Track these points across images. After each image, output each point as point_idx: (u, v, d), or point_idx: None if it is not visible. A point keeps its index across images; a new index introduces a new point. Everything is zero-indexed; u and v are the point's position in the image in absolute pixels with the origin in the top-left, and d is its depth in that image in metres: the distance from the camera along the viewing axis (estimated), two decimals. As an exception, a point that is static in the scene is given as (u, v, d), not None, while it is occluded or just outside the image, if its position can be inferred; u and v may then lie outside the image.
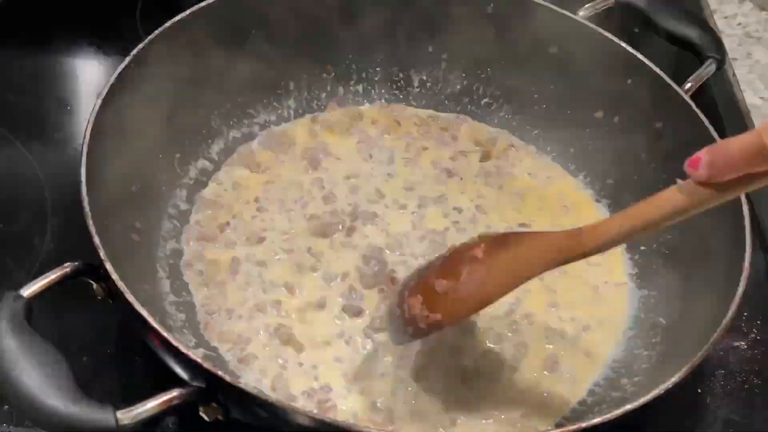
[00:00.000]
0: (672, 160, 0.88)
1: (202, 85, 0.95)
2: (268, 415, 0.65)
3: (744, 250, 0.77)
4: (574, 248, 0.69)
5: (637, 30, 1.17)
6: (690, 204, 0.63)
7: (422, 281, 0.73)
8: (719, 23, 1.24)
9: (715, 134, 0.87)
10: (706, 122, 0.88)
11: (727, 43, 1.21)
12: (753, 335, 0.91)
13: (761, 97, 1.15)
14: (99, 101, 0.81)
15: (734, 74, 1.15)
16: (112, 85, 0.82)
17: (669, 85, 0.92)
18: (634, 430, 0.81)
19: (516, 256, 0.70)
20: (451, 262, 0.73)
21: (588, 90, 0.99)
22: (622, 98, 0.96)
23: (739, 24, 1.27)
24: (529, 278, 0.71)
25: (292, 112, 1.03)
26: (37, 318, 0.81)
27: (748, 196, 0.82)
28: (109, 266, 0.69)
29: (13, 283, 0.86)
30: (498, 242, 0.72)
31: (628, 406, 0.67)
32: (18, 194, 0.95)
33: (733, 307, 0.73)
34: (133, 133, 0.86)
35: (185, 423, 0.79)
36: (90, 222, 0.71)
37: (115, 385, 0.81)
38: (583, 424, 0.65)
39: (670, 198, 0.64)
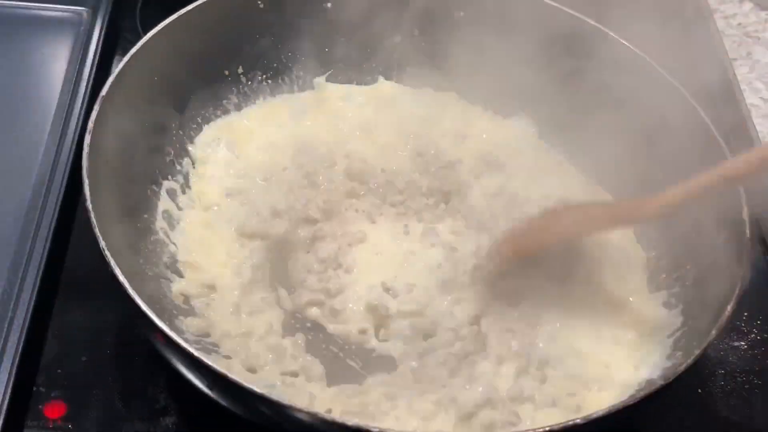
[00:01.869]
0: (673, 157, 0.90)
1: (196, 83, 0.96)
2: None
3: (746, 249, 0.77)
4: (633, 215, 0.84)
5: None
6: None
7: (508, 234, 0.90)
8: (719, 23, 1.24)
9: (717, 134, 0.87)
10: (708, 122, 0.88)
11: (727, 43, 1.21)
12: (753, 335, 0.91)
13: (761, 97, 1.15)
14: (99, 101, 0.81)
15: (734, 74, 1.15)
16: (111, 84, 0.83)
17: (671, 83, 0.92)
18: (635, 430, 0.81)
19: (575, 219, 0.87)
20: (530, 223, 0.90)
21: (592, 89, 0.99)
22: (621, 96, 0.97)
23: (739, 24, 1.27)
24: (583, 235, 0.89)
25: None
26: (38, 319, 0.82)
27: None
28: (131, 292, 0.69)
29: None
30: (566, 209, 0.89)
31: (629, 401, 0.67)
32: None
33: (730, 307, 0.73)
34: (132, 135, 0.86)
35: (185, 423, 0.79)
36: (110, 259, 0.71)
37: (115, 385, 0.81)
38: (593, 417, 0.66)
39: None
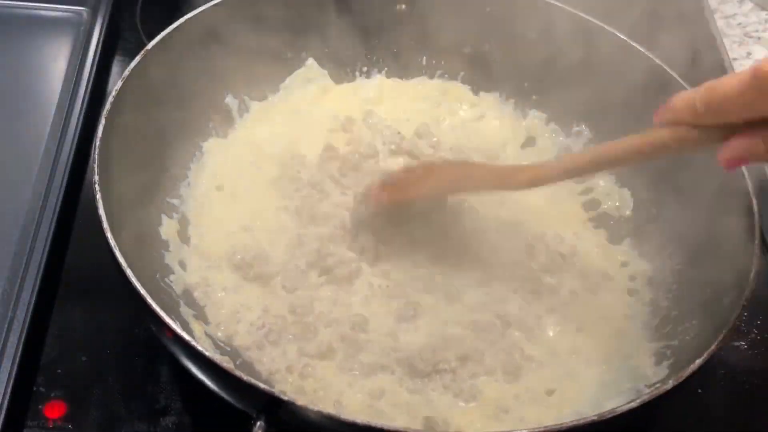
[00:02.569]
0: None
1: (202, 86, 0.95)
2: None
3: (753, 255, 0.76)
4: (508, 180, 0.83)
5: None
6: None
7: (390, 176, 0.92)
8: (719, 23, 1.24)
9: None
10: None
11: (727, 43, 1.21)
12: (753, 335, 0.91)
13: (761, 97, 1.15)
14: (110, 100, 0.81)
15: (734, 74, 1.15)
16: (123, 84, 0.83)
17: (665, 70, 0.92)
18: (634, 430, 0.81)
19: (460, 172, 0.88)
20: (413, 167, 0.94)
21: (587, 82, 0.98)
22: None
23: (739, 24, 1.27)
24: (465, 191, 0.90)
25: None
26: (38, 319, 0.82)
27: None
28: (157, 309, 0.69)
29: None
30: (450, 162, 0.94)
31: (630, 405, 0.67)
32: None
33: (735, 314, 0.73)
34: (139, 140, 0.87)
35: (185, 423, 0.79)
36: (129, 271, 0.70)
37: (115, 385, 0.81)
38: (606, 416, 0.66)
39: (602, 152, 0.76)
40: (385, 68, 1.08)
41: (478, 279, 0.88)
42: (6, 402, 0.76)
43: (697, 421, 0.84)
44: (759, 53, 1.22)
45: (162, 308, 0.68)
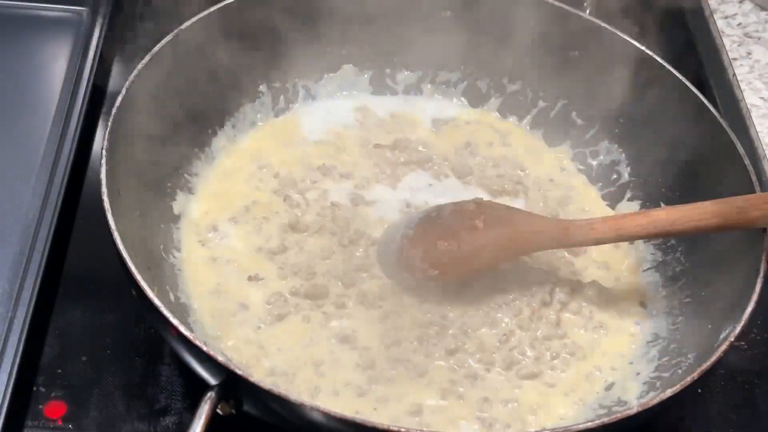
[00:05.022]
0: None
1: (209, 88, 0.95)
2: (283, 412, 0.65)
3: (759, 266, 0.76)
4: (563, 239, 0.78)
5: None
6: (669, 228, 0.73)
7: (423, 235, 0.80)
8: (719, 23, 1.24)
9: (728, 129, 0.87)
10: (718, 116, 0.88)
11: (727, 43, 1.21)
12: (753, 335, 0.91)
13: (761, 97, 1.15)
14: (119, 99, 0.81)
15: (734, 74, 1.15)
16: (131, 82, 0.83)
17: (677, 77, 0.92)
18: (634, 430, 0.81)
19: (512, 234, 0.79)
20: (453, 224, 0.80)
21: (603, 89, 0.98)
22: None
23: (739, 24, 1.27)
24: (519, 255, 0.82)
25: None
26: (38, 319, 0.82)
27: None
28: (139, 277, 0.69)
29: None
30: (497, 216, 0.80)
31: (628, 412, 0.67)
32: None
33: (741, 323, 0.73)
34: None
35: (185, 423, 0.79)
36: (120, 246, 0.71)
37: (115, 385, 0.81)
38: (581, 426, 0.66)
39: (656, 218, 0.75)
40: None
41: None
42: (6, 402, 0.76)
43: (696, 421, 0.84)
44: (759, 53, 1.22)
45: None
